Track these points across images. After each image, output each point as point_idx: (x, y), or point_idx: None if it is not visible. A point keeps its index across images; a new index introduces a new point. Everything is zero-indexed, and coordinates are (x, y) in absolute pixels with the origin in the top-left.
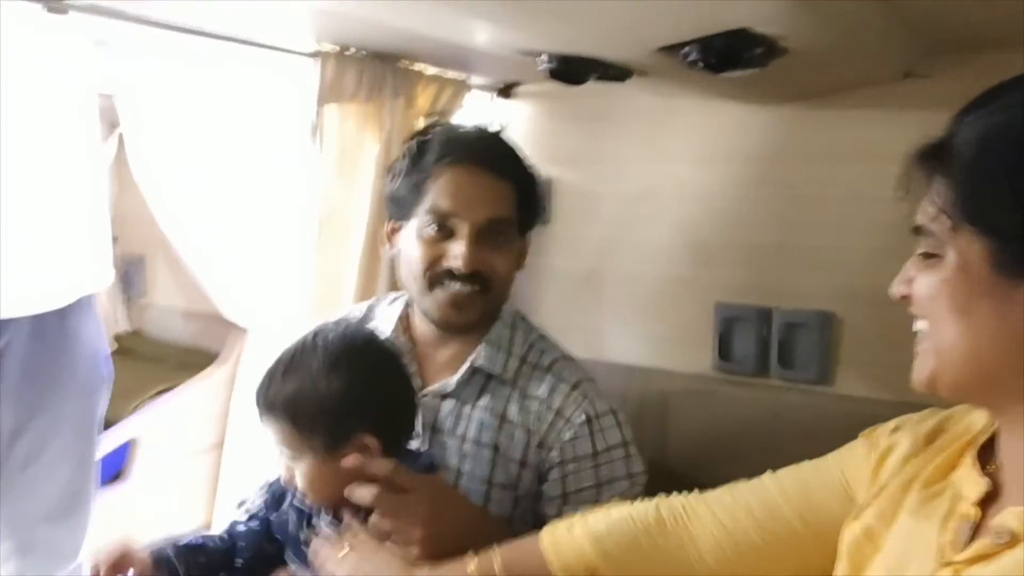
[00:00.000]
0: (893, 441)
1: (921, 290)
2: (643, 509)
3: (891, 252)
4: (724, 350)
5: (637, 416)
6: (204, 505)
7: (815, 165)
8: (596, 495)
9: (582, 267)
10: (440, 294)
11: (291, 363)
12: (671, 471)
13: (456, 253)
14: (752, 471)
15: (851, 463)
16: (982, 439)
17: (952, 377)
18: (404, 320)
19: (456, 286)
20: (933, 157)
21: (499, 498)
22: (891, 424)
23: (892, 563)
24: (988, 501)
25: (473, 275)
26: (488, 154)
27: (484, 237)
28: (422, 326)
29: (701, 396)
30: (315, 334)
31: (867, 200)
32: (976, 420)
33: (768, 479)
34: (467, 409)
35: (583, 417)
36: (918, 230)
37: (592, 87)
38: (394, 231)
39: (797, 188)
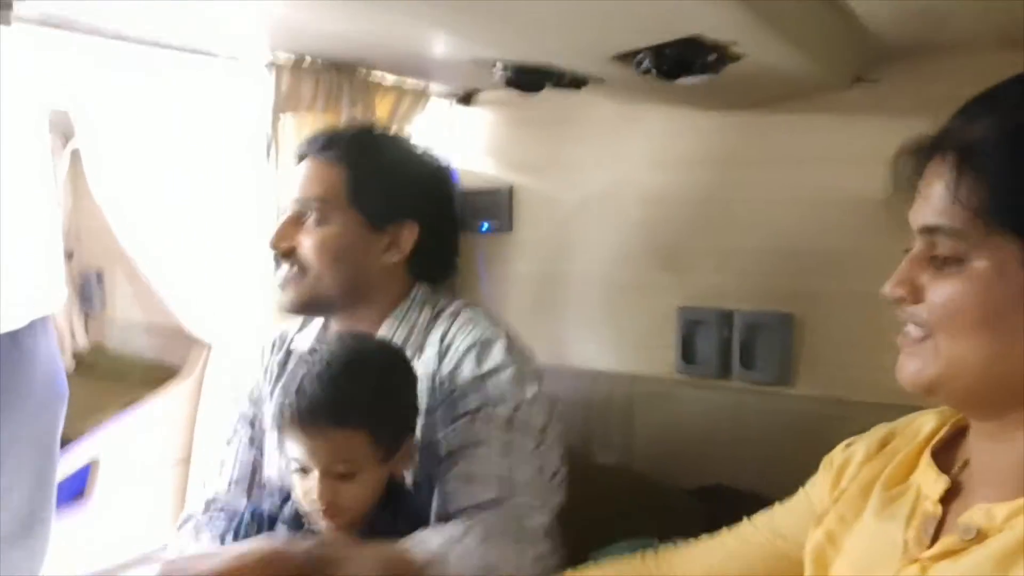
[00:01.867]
0: (848, 454)
1: (938, 297)
2: (629, 561)
3: (846, 253)
4: (687, 353)
5: (602, 420)
6: (170, 523)
7: (771, 169)
8: (488, 414)
9: (544, 272)
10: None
11: (333, 369)
12: (637, 473)
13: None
14: (716, 471)
15: (814, 487)
16: (935, 440)
17: (962, 386)
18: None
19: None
20: (936, 152)
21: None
22: (843, 443)
23: (856, 562)
24: (949, 499)
25: (284, 254)
26: (322, 142)
27: (297, 217)
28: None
29: (664, 399)
30: (339, 340)
31: (823, 203)
32: (924, 423)
33: (743, 521)
34: None
35: (468, 343)
36: (930, 230)
37: (552, 94)
38: None
39: (754, 192)
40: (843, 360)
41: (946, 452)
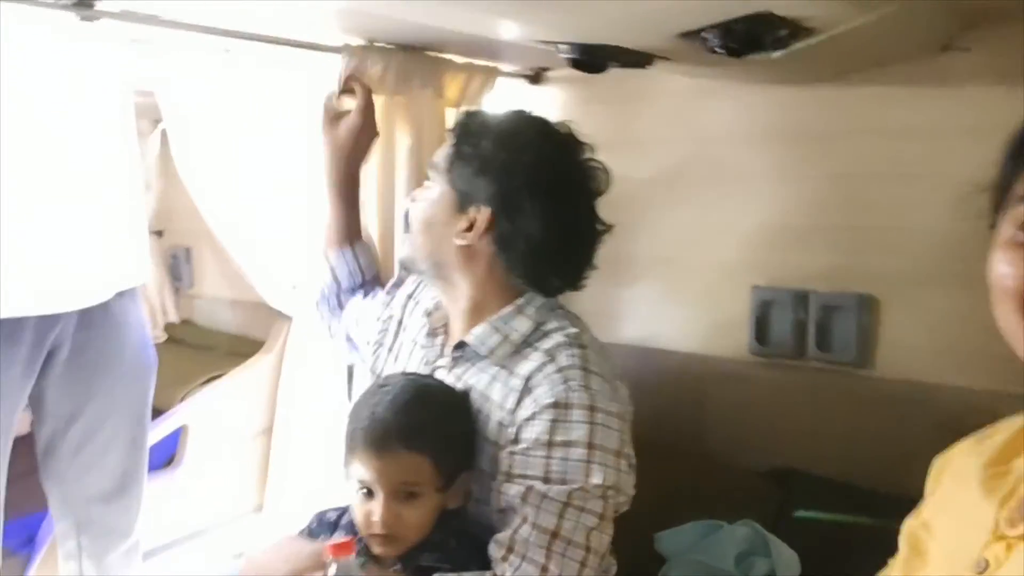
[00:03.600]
0: (947, 457)
1: None
2: None
3: (931, 233)
4: (761, 334)
5: (674, 400)
6: (255, 489)
7: (853, 144)
8: (541, 492)
9: (616, 251)
10: None
11: (403, 398)
12: (707, 455)
13: None
14: (790, 455)
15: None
16: None
17: None
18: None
19: None
20: None
21: (482, 485)
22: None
23: (946, 540)
24: None
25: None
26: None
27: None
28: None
29: (738, 380)
30: (406, 377)
31: (907, 178)
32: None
33: None
34: (459, 387)
35: (551, 399)
36: None
37: (623, 70)
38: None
39: (834, 168)
40: (923, 343)
41: None
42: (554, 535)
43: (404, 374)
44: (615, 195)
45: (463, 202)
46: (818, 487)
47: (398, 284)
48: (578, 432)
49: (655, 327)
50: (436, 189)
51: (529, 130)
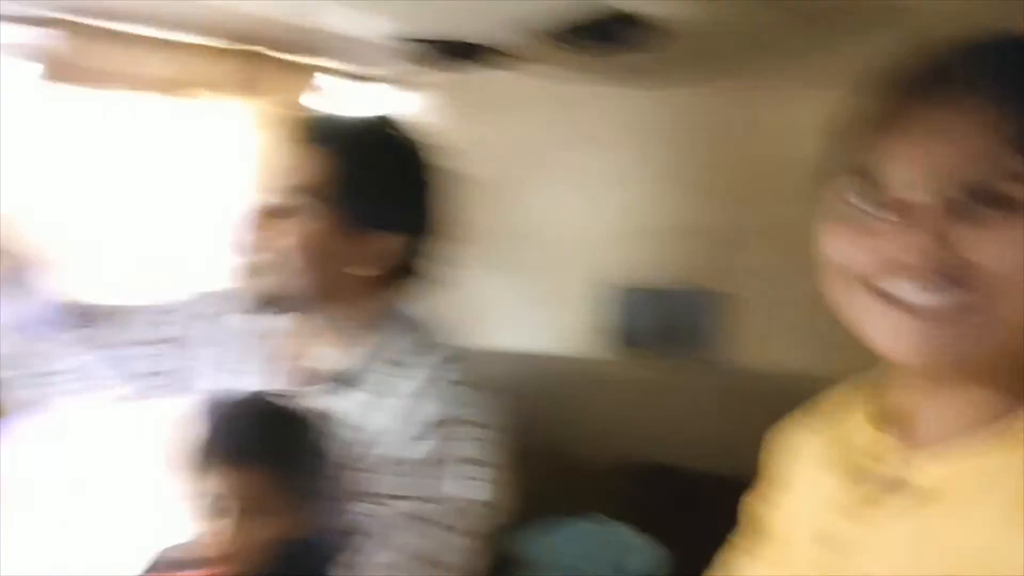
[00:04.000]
0: (792, 429)
1: (999, 251)
2: None
3: (779, 229)
4: (622, 332)
5: (535, 402)
6: None
7: (711, 145)
8: (420, 510)
9: (477, 255)
10: None
11: (270, 411)
12: (573, 457)
13: None
14: (656, 451)
15: None
16: (870, 401)
17: (993, 358)
18: None
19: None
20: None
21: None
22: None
23: (791, 515)
24: (889, 456)
25: (262, 246)
26: (315, 128)
27: (279, 207)
28: None
29: (603, 380)
30: (261, 393)
31: (755, 178)
32: (842, 390)
33: None
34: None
35: (439, 417)
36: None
37: (480, 74)
38: None
39: (689, 169)
40: (780, 335)
41: (879, 411)
42: (434, 563)
43: (255, 392)
44: (472, 198)
45: (360, 226)
46: (683, 481)
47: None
48: (468, 449)
49: (516, 328)
50: (316, 214)
51: (415, 143)
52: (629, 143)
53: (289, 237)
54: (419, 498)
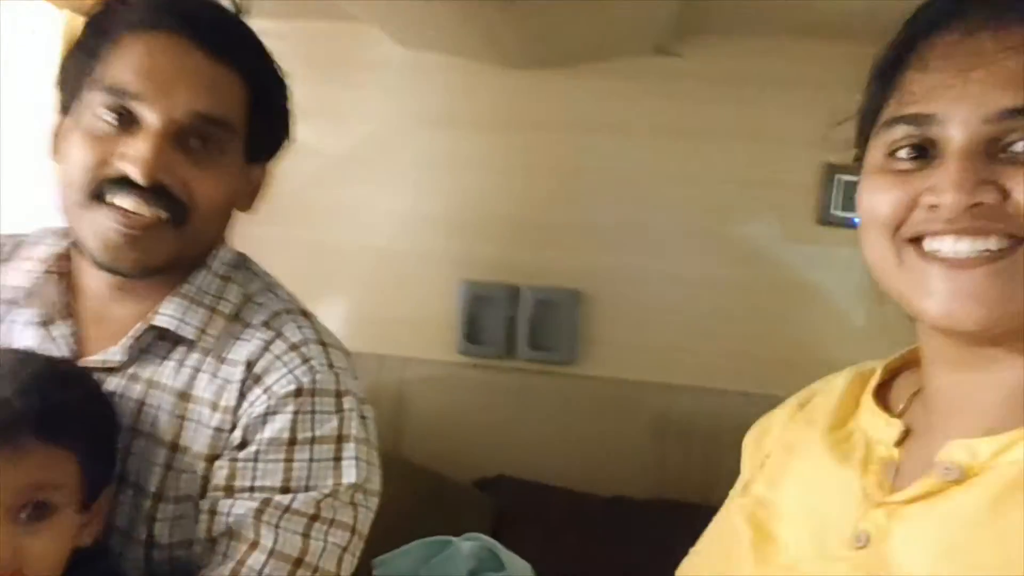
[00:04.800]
0: (765, 425)
1: None
2: None
3: (642, 229)
4: (470, 332)
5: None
6: None
7: (571, 137)
8: (280, 504)
9: (306, 238)
10: (103, 214)
11: (38, 374)
12: (408, 466)
13: (135, 153)
14: (502, 461)
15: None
16: (874, 384)
17: None
18: (61, 262)
19: (129, 201)
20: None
21: (173, 518)
22: (755, 424)
23: (804, 515)
24: (900, 442)
25: (157, 190)
26: (206, 24)
27: (182, 140)
28: (88, 272)
29: (443, 383)
30: (22, 352)
31: (614, 174)
32: (839, 376)
33: None
34: (138, 389)
35: (291, 387)
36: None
37: (329, 28)
38: (60, 133)
39: (545, 159)
40: (630, 340)
41: (882, 396)
42: (297, 563)
43: (15, 350)
44: (302, 171)
45: (253, 159)
46: (530, 493)
47: None
48: (328, 424)
49: (351, 326)
50: (230, 151)
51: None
52: (491, 126)
53: (198, 180)
54: (272, 487)
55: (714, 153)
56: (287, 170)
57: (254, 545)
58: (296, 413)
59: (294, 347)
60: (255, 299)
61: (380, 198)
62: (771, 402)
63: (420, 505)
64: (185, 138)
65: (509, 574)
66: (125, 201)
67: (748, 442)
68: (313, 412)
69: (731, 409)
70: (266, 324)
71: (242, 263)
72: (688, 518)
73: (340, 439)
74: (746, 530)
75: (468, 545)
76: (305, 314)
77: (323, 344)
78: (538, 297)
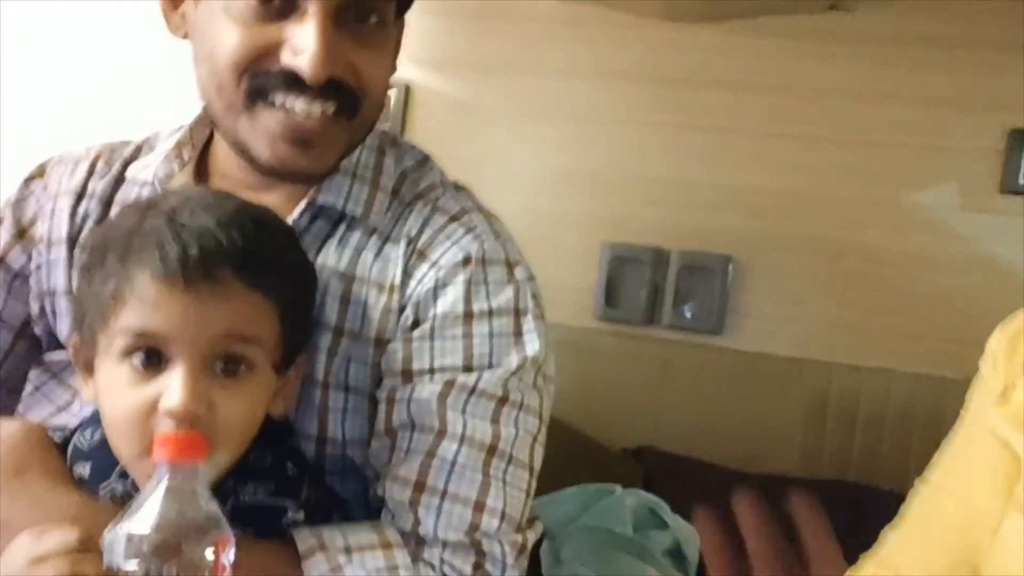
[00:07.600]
0: (1020, 323)
1: None
2: None
3: (799, 195)
4: (610, 297)
5: None
6: None
7: (726, 94)
8: (465, 384)
9: None
10: (269, 117)
11: (237, 211)
12: (557, 423)
13: (302, 44)
14: (633, 430)
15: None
16: None
17: None
18: (193, 151)
19: (300, 103)
20: None
21: (344, 410)
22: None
23: None
24: None
25: (329, 85)
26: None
27: (347, 21)
28: (228, 165)
29: (581, 350)
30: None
31: (778, 137)
32: None
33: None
34: None
35: (459, 256)
36: None
37: None
38: (184, 9)
39: (703, 118)
40: (785, 313)
41: None
42: (492, 451)
43: (208, 188)
44: (448, 125)
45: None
46: (674, 467)
47: None
48: (503, 295)
49: None
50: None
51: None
52: (646, 82)
53: (365, 62)
54: (453, 367)
55: (884, 117)
56: (435, 123)
57: (441, 434)
58: (468, 283)
59: (454, 218)
60: (411, 174)
61: (522, 153)
62: (943, 384)
63: (568, 462)
64: (348, 12)
65: (675, 533)
66: (296, 103)
67: (998, 346)
68: (486, 282)
69: (898, 391)
70: (423, 197)
71: (389, 138)
72: (852, 499)
73: (518, 312)
74: (1018, 438)
75: (630, 499)
76: (459, 188)
77: (484, 213)
78: (686, 262)
